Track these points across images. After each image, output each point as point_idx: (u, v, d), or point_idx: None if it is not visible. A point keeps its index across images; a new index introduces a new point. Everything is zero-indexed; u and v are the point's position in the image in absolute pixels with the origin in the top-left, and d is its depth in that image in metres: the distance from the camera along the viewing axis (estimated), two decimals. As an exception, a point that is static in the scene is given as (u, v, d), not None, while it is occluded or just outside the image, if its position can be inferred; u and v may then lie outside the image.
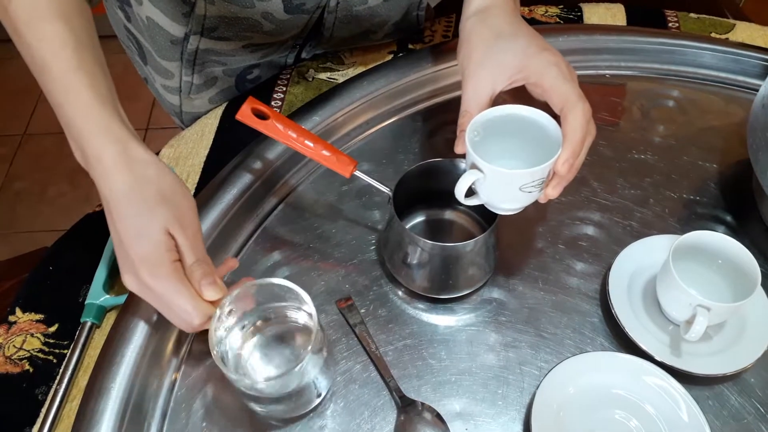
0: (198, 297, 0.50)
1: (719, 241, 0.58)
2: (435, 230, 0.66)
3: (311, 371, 0.51)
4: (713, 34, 0.88)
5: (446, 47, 0.80)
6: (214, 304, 0.51)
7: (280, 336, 0.56)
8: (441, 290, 0.61)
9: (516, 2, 0.58)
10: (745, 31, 0.88)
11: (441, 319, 0.61)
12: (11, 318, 0.62)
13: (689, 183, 0.72)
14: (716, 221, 0.69)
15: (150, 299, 0.51)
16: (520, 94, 0.56)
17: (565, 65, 0.53)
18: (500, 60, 0.53)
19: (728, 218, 0.69)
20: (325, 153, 0.61)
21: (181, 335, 0.60)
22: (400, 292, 0.63)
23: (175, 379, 0.58)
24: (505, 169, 0.50)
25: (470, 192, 0.53)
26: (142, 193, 0.49)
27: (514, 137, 0.54)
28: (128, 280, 0.51)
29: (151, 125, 2.01)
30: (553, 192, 0.52)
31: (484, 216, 0.64)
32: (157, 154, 0.75)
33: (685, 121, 0.78)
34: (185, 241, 0.50)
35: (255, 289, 0.52)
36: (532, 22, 0.90)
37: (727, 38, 0.87)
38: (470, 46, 0.56)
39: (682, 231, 0.59)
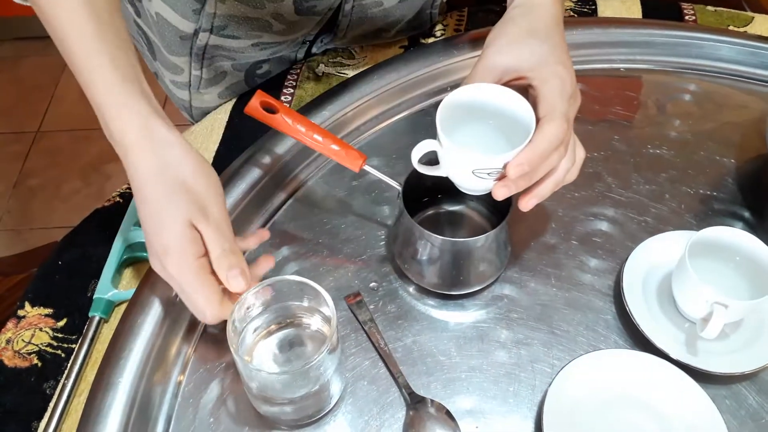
0: (215, 300, 0.50)
1: (737, 237, 0.57)
2: (445, 225, 0.65)
3: (328, 369, 0.51)
4: (731, 27, 0.86)
5: (458, 40, 0.79)
6: (233, 299, 0.51)
7: (294, 339, 0.55)
8: (451, 286, 0.60)
9: (562, 8, 0.58)
10: (763, 24, 0.86)
11: (451, 316, 0.61)
12: (20, 312, 0.62)
13: (706, 178, 0.70)
14: (734, 217, 0.67)
15: (174, 285, 0.51)
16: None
17: (571, 86, 0.53)
18: (518, 55, 0.54)
19: (746, 214, 0.67)
20: (335, 147, 0.61)
21: (190, 331, 0.59)
22: (409, 288, 0.62)
23: (183, 374, 0.57)
24: (458, 148, 0.50)
25: (436, 162, 0.55)
26: (164, 180, 0.49)
27: (501, 124, 0.55)
28: (154, 263, 0.51)
29: (163, 122, 2.02)
30: (498, 192, 0.50)
31: (495, 211, 0.63)
32: (167, 149, 0.75)
33: (702, 116, 0.77)
34: (210, 232, 0.50)
35: (274, 285, 0.51)
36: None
37: (745, 31, 0.85)
38: (502, 30, 0.56)
39: (699, 227, 0.58)
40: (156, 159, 0.49)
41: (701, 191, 0.69)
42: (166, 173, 0.49)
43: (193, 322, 0.60)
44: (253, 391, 0.51)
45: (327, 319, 0.50)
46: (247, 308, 0.52)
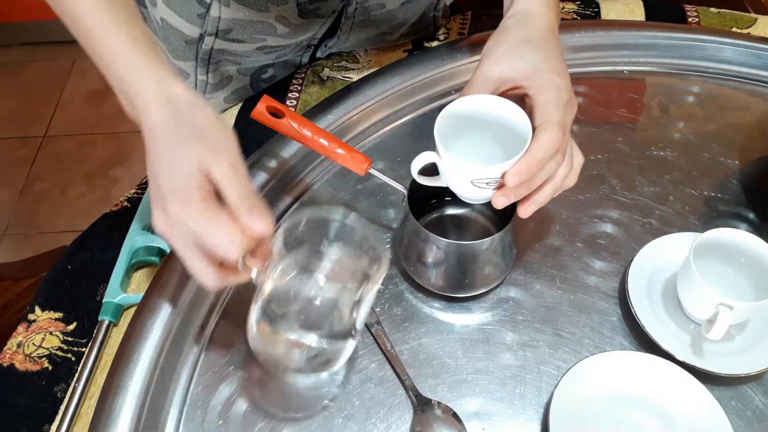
0: (235, 229, 0.45)
1: (741, 238, 0.57)
2: (451, 228, 0.66)
3: (361, 311, 0.49)
4: (734, 29, 0.86)
5: (461, 44, 0.80)
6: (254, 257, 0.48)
7: (324, 288, 0.51)
8: (457, 289, 0.60)
9: (557, 16, 0.59)
10: (766, 26, 0.87)
11: (457, 318, 0.61)
12: (31, 316, 0.63)
13: (710, 180, 0.71)
14: (738, 218, 0.67)
15: (178, 238, 0.47)
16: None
17: (567, 94, 0.53)
18: (513, 65, 0.54)
19: (750, 215, 0.67)
20: (340, 151, 0.61)
21: (198, 334, 0.60)
22: (415, 291, 0.63)
23: (192, 377, 0.58)
24: (457, 159, 0.51)
25: (436, 173, 0.56)
26: (177, 128, 0.47)
27: (499, 134, 0.55)
28: (157, 217, 0.47)
29: (168, 126, 2.03)
30: (497, 201, 0.51)
31: (500, 214, 0.64)
32: (174, 153, 0.75)
33: (706, 117, 0.77)
34: (224, 176, 0.46)
35: (304, 225, 0.48)
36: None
37: (748, 33, 0.86)
38: (499, 39, 0.57)
39: (703, 228, 0.58)
40: (171, 110, 0.48)
41: (705, 193, 0.70)
42: (180, 122, 0.48)
43: (203, 325, 0.60)
44: (274, 318, 0.48)
45: (376, 259, 0.47)
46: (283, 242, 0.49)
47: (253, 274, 0.50)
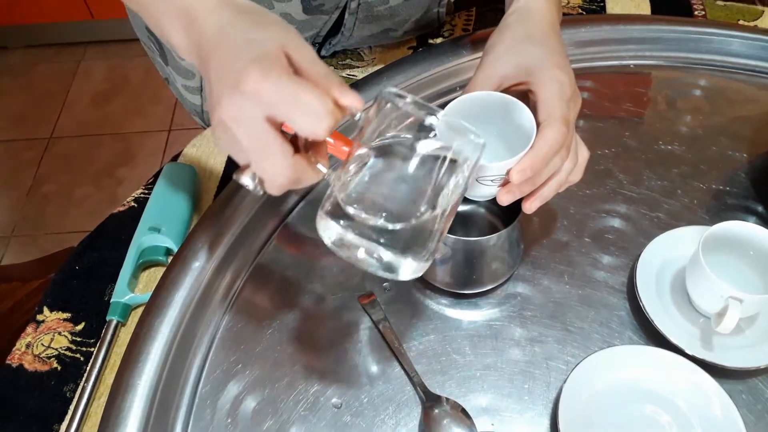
0: (325, 94, 0.41)
1: (750, 231, 0.57)
2: (457, 225, 0.66)
3: (451, 198, 0.44)
4: (741, 22, 0.86)
5: (466, 41, 0.79)
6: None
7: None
8: (464, 285, 0.60)
9: (559, 12, 0.59)
10: (774, 17, 0.86)
11: (465, 314, 0.61)
12: (39, 317, 0.63)
13: (718, 173, 0.70)
14: (747, 212, 0.67)
15: (248, 123, 0.40)
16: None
17: (570, 89, 0.53)
18: (516, 60, 0.54)
19: (759, 208, 0.67)
20: (345, 149, 0.61)
21: (206, 332, 0.60)
22: (423, 288, 0.63)
23: (200, 376, 0.58)
24: None
25: None
26: (252, 17, 0.43)
27: (503, 131, 0.55)
28: (224, 105, 0.40)
29: (174, 126, 2.03)
30: (503, 198, 0.51)
31: (507, 210, 0.63)
32: (180, 154, 0.75)
33: (713, 111, 0.76)
34: (308, 57, 0.42)
35: (391, 109, 0.43)
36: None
37: (755, 25, 0.85)
38: (500, 37, 0.56)
39: (712, 222, 0.57)
40: (242, 8, 0.44)
41: (713, 186, 0.69)
42: (252, 11, 0.43)
43: (211, 323, 0.60)
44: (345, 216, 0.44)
45: (477, 146, 0.44)
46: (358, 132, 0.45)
47: (325, 171, 0.45)
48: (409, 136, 0.45)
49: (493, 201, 0.63)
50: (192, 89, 0.81)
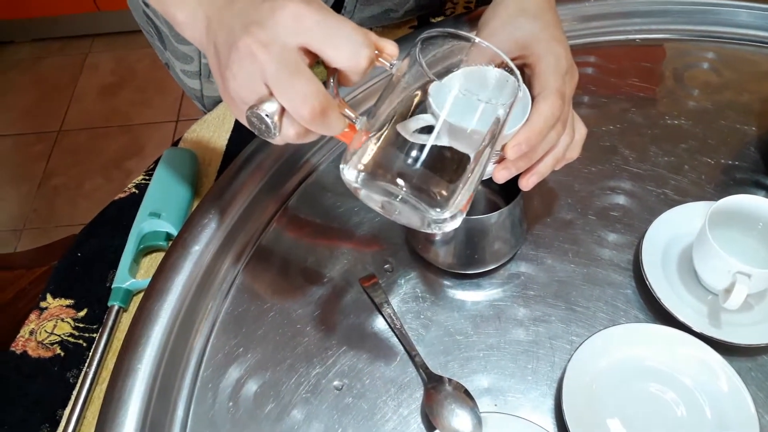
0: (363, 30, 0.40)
1: (759, 204, 0.55)
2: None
3: (490, 156, 0.42)
4: (750, -8, 0.83)
5: (467, 18, 0.78)
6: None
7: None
8: (466, 265, 0.59)
9: None
10: (784, -13, 0.84)
11: (467, 295, 0.60)
12: (42, 304, 0.63)
13: (727, 148, 0.69)
14: (756, 186, 0.65)
15: (279, 51, 0.39)
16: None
17: (567, 62, 0.52)
18: (511, 35, 0.53)
19: (769, 182, 0.66)
20: (346, 129, 0.60)
21: (207, 317, 0.60)
22: (424, 269, 0.62)
23: (201, 359, 0.58)
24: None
25: None
26: None
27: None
28: (254, 29, 0.39)
29: (181, 117, 2.03)
30: (498, 175, 0.49)
31: (508, 188, 0.62)
32: (180, 139, 0.75)
33: (721, 84, 0.75)
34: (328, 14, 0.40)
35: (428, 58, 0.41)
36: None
37: (765, -5, 0.83)
38: (494, 12, 0.56)
39: (720, 197, 0.56)
40: None
41: (722, 161, 0.68)
42: None
43: (212, 307, 0.60)
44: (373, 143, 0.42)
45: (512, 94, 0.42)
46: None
47: (353, 115, 0.44)
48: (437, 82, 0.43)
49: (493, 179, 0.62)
50: (191, 74, 0.80)
